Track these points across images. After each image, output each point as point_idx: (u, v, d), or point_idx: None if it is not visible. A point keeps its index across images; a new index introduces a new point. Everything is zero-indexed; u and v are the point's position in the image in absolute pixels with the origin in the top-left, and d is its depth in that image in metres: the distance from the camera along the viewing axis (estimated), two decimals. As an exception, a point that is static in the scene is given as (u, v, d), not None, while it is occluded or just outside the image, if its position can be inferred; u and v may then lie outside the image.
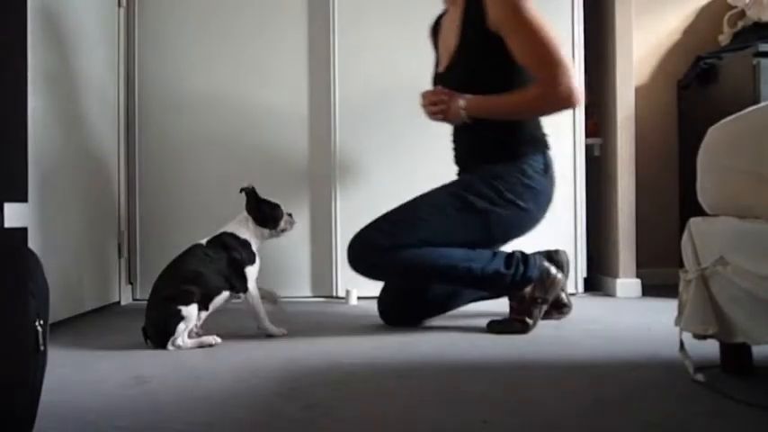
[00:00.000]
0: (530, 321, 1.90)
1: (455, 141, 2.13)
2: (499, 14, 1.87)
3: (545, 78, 1.84)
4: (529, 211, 1.97)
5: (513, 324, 1.90)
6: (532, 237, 2.24)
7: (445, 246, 1.91)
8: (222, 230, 1.89)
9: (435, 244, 1.90)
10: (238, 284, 1.84)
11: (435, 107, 1.98)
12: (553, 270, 1.96)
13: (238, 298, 1.87)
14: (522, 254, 1.96)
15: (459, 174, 2.14)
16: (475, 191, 1.95)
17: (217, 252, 1.83)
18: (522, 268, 1.91)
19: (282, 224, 1.95)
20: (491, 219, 1.94)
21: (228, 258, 1.83)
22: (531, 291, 1.92)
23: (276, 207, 1.94)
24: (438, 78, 2.11)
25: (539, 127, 2.04)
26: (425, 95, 2.03)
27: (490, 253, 1.95)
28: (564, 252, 2.08)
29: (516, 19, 1.86)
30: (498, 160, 1.97)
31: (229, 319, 2.04)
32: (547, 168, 2.00)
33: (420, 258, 1.89)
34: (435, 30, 2.21)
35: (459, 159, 2.14)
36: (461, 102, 1.92)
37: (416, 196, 2.03)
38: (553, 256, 2.03)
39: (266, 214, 1.92)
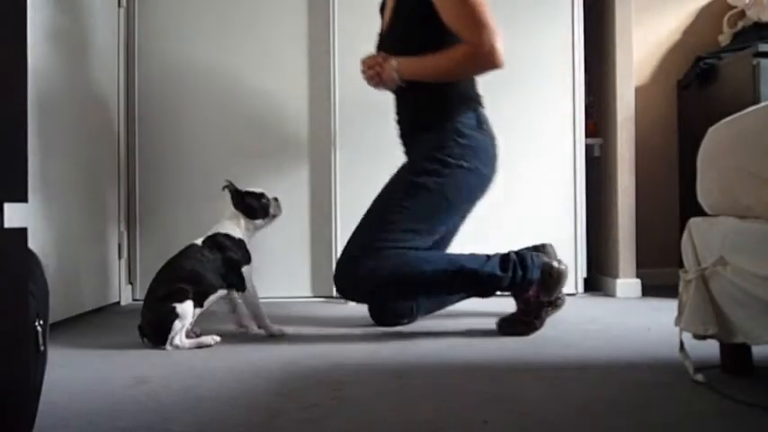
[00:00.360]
0: (537, 323, 1.88)
1: (397, 114, 2.12)
2: None
3: (469, 38, 1.85)
4: (475, 170, 1.94)
5: (521, 326, 1.88)
6: (533, 237, 2.24)
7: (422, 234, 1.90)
8: (215, 231, 1.89)
9: (410, 240, 1.89)
10: (237, 284, 1.85)
11: (371, 70, 2.00)
12: (555, 264, 1.92)
13: (229, 297, 1.88)
14: (518, 254, 1.91)
15: (404, 152, 2.12)
16: (420, 170, 1.94)
17: (212, 252, 1.84)
18: (520, 272, 1.88)
19: (272, 210, 1.96)
20: (446, 190, 1.92)
21: (224, 258, 1.84)
22: (536, 293, 1.88)
23: (261, 196, 1.95)
24: (378, 41, 2.12)
25: (470, 86, 2.03)
26: (363, 61, 2.04)
27: (483, 256, 1.92)
28: (550, 245, 2.04)
29: None
30: (432, 124, 1.96)
31: (229, 319, 2.03)
32: (480, 123, 1.98)
33: (406, 268, 1.85)
34: (383, 3, 2.19)
35: (401, 132, 2.12)
36: (393, 63, 1.94)
37: (372, 202, 2.00)
38: (541, 251, 1.99)
39: (254, 206, 1.92)
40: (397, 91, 2.04)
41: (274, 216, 1.97)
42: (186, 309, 1.74)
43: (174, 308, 1.72)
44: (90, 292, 2.35)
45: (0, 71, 0.80)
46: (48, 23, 2.07)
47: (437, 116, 1.97)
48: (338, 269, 1.93)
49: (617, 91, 2.71)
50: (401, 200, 1.92)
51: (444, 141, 1.93)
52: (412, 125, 2.06)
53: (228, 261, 1.84)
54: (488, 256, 1.92)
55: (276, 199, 1.98)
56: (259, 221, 1.93)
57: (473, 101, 2.02)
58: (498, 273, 1.87)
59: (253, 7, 2.76)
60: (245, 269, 1.86)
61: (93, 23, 2.46)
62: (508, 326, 1.91)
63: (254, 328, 1.93)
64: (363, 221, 1.97)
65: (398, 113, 2.11)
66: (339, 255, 2.01)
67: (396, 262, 1.84)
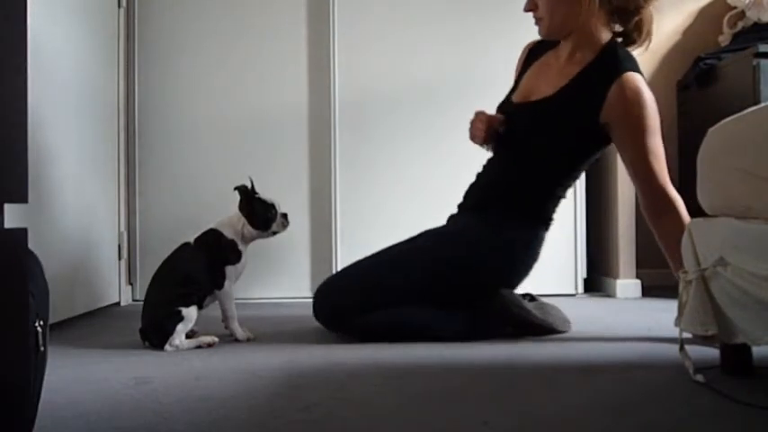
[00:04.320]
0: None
1: (482, 174, 2.02)
2: (621, 114, 1.79)
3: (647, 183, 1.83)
4: (485, 269, 1.86)
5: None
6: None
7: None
8: (210, 227, 1.88)
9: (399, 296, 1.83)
10: (217, 281, 1.83)
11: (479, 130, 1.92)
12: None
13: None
14: (484, 323, 1.84)
15: (459, 209, 2.05)
16: (445, 244, 1.87)
17: (202, 251, 1.83)
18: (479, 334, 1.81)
19: (274, 226, 1.90)
20: (452, 282, 1.85)
21: (211, 256, 1.83)
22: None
23: (270, 207, 1.88)
24: (506, 106, 2.00)
25: (554, 209, 1.97)
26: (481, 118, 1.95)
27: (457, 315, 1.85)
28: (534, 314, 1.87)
29: (639, 126, 1.79)
30: (496, 212, 1.90)
31: (223, 326, 2.03)
32: (531, 242, 1.91)
33: (384, 321, 1.81)
34: (532, 55, 2.06)
35: (470, 191, 2.02)
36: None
37: (389, 248, 1.93)
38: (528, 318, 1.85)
39: (258, 215, 1.87)
40: (497, 166, 1.97)
41: (274, 233, 1.91)
42: (191, 313, 1.74)
43: (180, 311, 1.72)
44: (90, 292, 2.35)
45: (0, 71, 0.80)
46: (48, 24, 2.07)
47: (507, 211, 1.89)
48: (320, 305, 1.87)
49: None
50: (410, 268, 1.84)
51: (487, 236, 1.86)
52: (484, 201, 1.96)
53: (215, 259, 1.83)
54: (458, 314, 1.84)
55: (285, 216, 1.91)
56: (256, 232, 1.88)
57: (546, 222, 1.94)
58: (463, 330, 1.81)
59: (253, 7, 2.76)
60: (228, 268, 1.84)
61: (93, 23, 2.46)
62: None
63: (243, 338, 1.87)
64: (362, 266, 1.90)
65: (485, 175, 2.01)
66: (325, 282, 1.95)
67: (377, 320, 1.80)
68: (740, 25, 2.89)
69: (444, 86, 2.79)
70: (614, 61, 1.81)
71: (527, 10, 1.91)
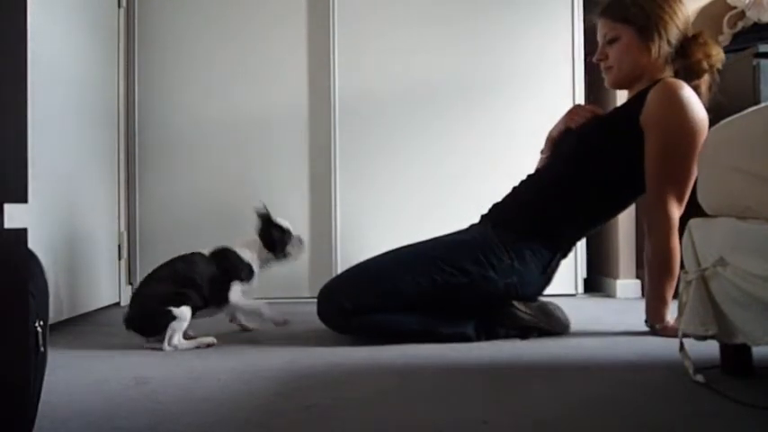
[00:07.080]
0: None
1: (517, 191, 2.01)
2: (653, 113, 1.80)
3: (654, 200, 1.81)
4: (493, 281, 1.82)
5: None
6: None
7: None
8: (226, 246, 1.89)
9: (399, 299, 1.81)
10: (221, 295, 1.84)
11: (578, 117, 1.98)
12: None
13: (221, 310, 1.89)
14: (490, 326, 1.84)
15: (482, 219, 2.03)
16: (456, 260, 1.82)
17: (216, 264, 1.85)
18: (484, 337, 1.82)
19: (289, 249, 1.95)
20: (461, 293, 1.83)
21: (222, 271, 1.84)
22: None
23: (286, 232, 1.94)
24: (567, 132, 2.03)
25: (573, 235, 1.97)
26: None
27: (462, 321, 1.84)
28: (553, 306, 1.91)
29: (668, 132, 1.79)
30: (512, 230, 1.88)
31: (231, 325, 2.03)
32: (546, 268, 1.89)
33: (389, 324, 1.81)
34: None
35: (500, 205, 2.02)
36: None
37: (400, 249, 1.91)
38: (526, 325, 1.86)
39: (275, 239, 1.91)
40: (536, 186, 1.97)
41: (289, 256, 1.96)
42: (184, 311, 1.74)
43: (170, 309, 1.72)
44: (90, 292, 2.35)
45: (0, 72, 0.80)
46: (48, 23, 2.07)
47: (533, 232, 1.87)
48: (322, 304, 1.86)
49: (617, 91, 2.71)
50: (418, 273, 1.81)
51: (503, 252, 1.84)
52: (512, 218, 1.94)
53: (226, 274, 1.84)
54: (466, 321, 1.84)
55: (301, 240, 1.98)
56: (271, 255, 1.92)
57: (562, 245, 1.92)
58: (470, 333, 1.82)
59: (253, 7, 2.77)
60: (236, 282, 1.86)
61: (93, 23, 2.46)
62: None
63: (254, 327, 1.96)
64: (368, 268, 1.88)
65: (516, 193, 2.00)
66: (330, 281, 1.95)
67: (379, 324, 1.81)
68: (740, 25, 2.89)
69: (444, 86, 2.79)
70: (663, 78, 1.85)
71: (598, 60, 1.98)
